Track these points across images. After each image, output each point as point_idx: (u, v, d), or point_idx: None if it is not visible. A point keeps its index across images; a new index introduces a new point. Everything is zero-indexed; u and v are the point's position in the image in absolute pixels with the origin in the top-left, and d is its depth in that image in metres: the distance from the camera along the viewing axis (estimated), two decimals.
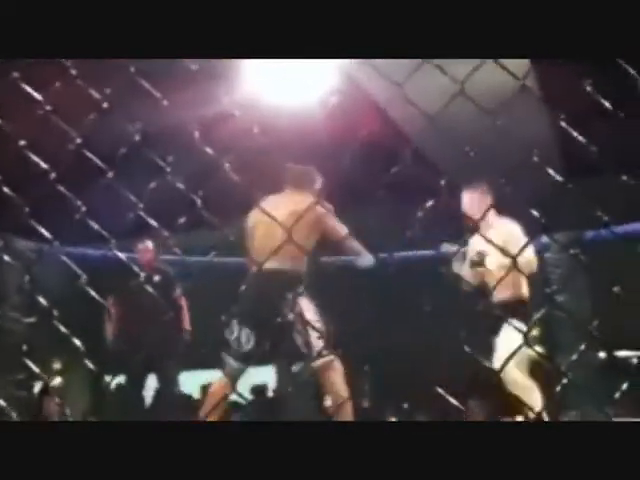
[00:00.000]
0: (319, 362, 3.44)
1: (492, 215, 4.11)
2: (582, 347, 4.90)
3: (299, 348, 3.40)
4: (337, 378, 3.46)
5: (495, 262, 3.98)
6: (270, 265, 3.09)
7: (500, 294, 3.98)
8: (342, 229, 3.65)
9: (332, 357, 3.50)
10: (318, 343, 3.44)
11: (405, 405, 7.76)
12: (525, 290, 4.17)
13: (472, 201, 4.19)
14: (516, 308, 4.02)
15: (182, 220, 1.40)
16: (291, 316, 3.35)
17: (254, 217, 3.75)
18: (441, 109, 1.27)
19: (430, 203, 1.28)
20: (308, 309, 3.48)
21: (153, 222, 1.38)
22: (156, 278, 5.81)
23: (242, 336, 3.47)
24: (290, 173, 3.86)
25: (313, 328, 3.35)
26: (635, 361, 7.95)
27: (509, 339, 3.86)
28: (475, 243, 4.18)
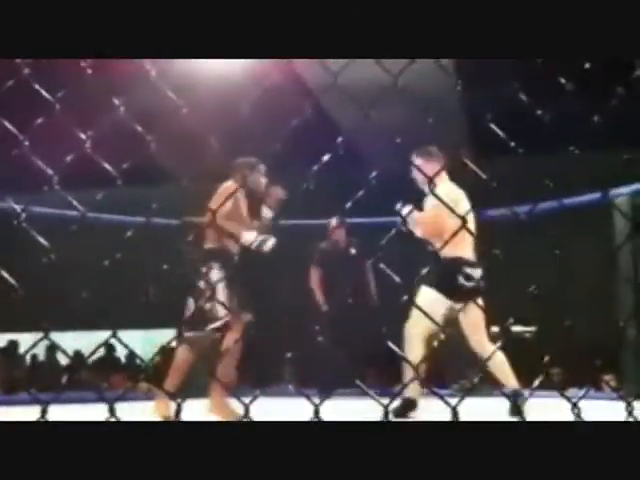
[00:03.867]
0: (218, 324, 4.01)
1: (440, 178, 4.22)
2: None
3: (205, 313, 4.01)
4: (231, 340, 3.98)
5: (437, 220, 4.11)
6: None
7: (449, 252, 4.01)
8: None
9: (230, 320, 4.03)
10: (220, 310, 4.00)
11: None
12: (470, 251, 4.27)
13: (423, 165, 4.29)
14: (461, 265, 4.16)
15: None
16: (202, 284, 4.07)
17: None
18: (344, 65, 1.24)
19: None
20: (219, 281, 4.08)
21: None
22: (352, 251, 6.68)
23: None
24: (237, 165, 4.27)
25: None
26: (527, 336, 8.28)
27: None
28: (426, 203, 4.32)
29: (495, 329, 6.67)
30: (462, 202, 4.19)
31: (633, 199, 5.89)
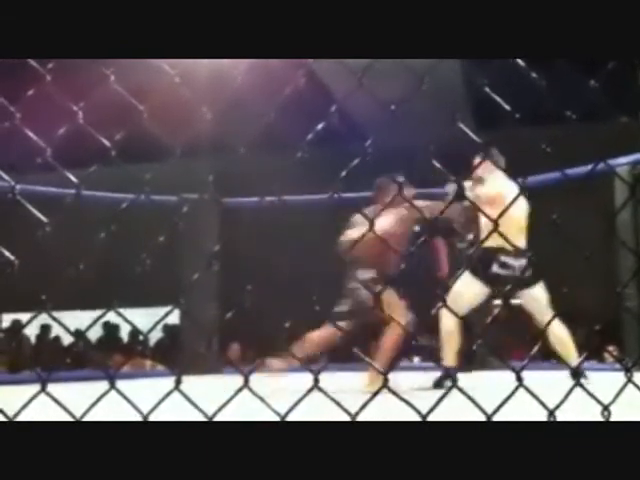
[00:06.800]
0: None
1: (487, 169, 4.21)
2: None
3: None
4: None
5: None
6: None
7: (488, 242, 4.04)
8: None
9: None
10: None
11: None
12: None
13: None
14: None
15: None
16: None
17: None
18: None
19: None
20: None
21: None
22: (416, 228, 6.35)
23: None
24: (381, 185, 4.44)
25: None
26: None
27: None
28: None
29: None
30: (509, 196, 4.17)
31: (633, 169, 5.88)
